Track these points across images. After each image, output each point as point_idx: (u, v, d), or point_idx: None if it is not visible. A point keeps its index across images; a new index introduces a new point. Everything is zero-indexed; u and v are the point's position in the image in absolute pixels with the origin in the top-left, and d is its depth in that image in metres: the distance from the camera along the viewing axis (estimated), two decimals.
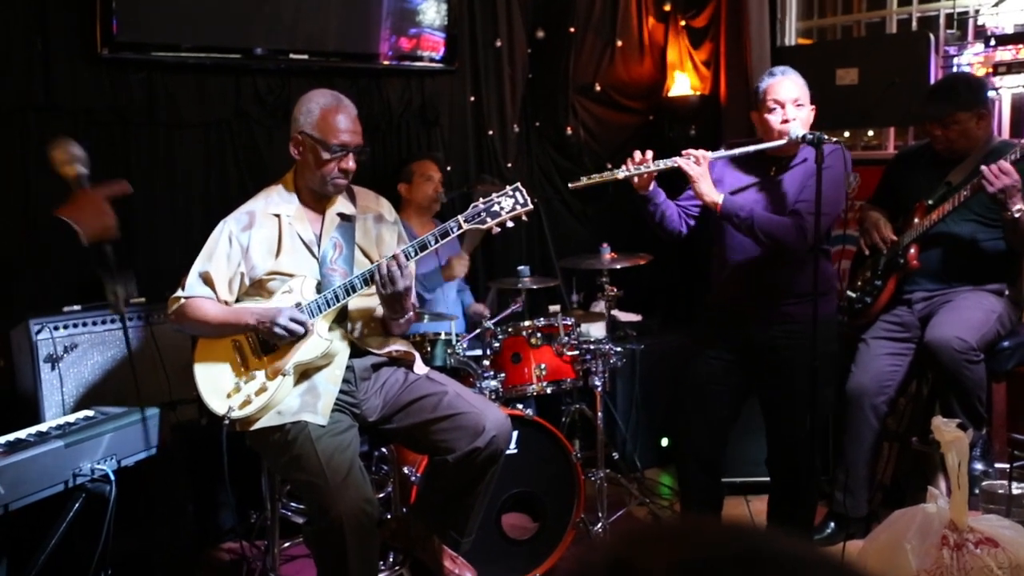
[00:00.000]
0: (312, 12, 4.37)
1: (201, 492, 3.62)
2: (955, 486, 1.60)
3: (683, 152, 3.08)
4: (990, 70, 4.14)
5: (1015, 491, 1.76)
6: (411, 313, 2.93)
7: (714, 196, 3.05)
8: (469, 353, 3.70)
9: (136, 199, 4.05)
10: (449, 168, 4.83)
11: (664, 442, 4.64)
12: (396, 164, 4.55)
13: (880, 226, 3.78)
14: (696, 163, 3.06)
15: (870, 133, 5.06)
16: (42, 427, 2.81)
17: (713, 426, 3.23)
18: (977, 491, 1.80)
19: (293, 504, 3.30)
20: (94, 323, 3.42)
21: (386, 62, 4.63)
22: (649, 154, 3.05)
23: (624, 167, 3.04)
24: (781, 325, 3.15)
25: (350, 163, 2.87)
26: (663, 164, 3.06)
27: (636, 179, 3.09)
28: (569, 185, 3.06)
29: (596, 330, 4.15)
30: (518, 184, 2.90)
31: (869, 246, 3.82)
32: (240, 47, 4.22)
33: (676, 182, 3.27)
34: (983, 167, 3.33)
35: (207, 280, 2.88)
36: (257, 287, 2.90)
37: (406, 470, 3.30)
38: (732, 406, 3.25)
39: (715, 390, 3.19)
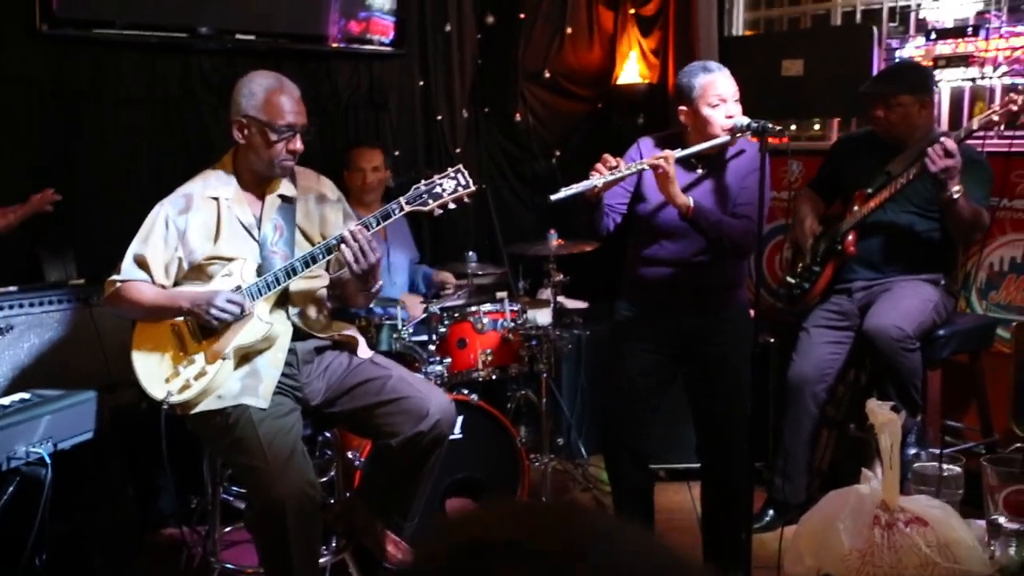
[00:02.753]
0: None
1: (141, 476, 3.57)
2: (887, 467, 1.64)
3: (653, 156, 3.00)
4: (931, 63, 4.21)
5: (945, 473, 1.80)
6: (380, 283, 2.91)
7: (685, 199, 2.98)
8: (415, 339, 3.69)
9: (78, 178, 3.99)
10: (397, 153, 4.81)
11: None
12: (344, 148, 4.51)
13: (806, 221, 3.84)
14: (666, 165, 2.98)
15: (816, 126, 5.13)
16: None
17: (643, 418, 3.23)
18: (909, 475, 1.83)
19: (234, 488, 3.27)
20: (31, 304, 3.36)
21: (335, 44, 4.59)
22: (621, 162, 2.99)
23: (595, 173, 2.95)
24: (710, 315, 3.15)
25: (298, 144, 2.84)
26: (635, 168, 3.00)
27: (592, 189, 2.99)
28: (551, 198, 2.96)
29: (542, 317, 4.16)
30: (460, 166, 2.89)
31: (791, 240, 3.89)
32: (186, 26, 4.16)
33: None
34: (928, 148, 3.36)
35: (142, 263, 2.83)
36: (197, 271, 2.85)
37: (350, 455, 3.29)
38: (660, 397, 3.26)
39: (645, 383, 3.17)
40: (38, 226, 3.70)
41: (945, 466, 1.81)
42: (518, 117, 5.22)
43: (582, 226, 3.18)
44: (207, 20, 4.20)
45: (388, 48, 4.75)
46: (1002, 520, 1.72)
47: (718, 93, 3.01)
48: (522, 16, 5.14)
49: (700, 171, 3.12)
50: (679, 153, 3.01)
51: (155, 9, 4.07)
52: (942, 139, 3.34)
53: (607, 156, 2.98)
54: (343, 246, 2.74)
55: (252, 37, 4.35)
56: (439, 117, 5.02)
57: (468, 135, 5.15)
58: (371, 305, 3.73)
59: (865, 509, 1.63)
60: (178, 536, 3.49)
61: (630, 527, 0.57)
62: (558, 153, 5.30)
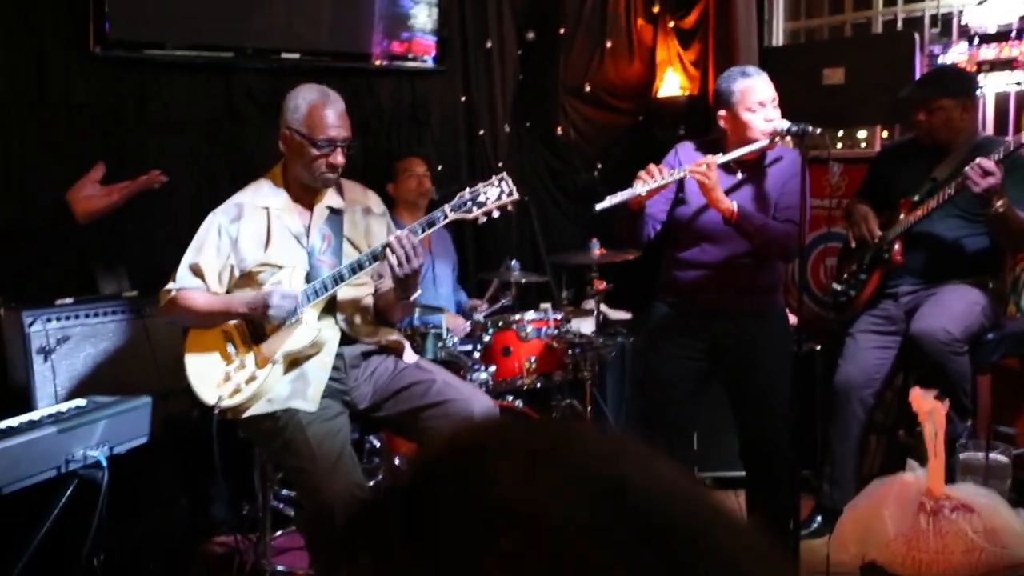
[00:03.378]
0: (305, 13, 4.42)
1: (193, 484, 3.64)
2: (932, 455, 1.64)
3: (695, 164, 3.04)
4: (974, 68, 4.19)
5: (991, 463, 1.79)
6: (419, 291, 2.96)
7: (729, 204, 3.01)
8: (459, 348, 3.73)
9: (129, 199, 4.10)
10: (440, 167, 4.88)
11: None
12: (387, 164, 4.58)
13: (869, 219, 3.81)
14: (708, 173, 3.02)
15: (862, 134, 5.12)
16: (34, 415, 2.84)
17: (680, 424, 3.24)
18: (957, 467, 1.83)
19: (285, 492, 3.33)
20: (87, 315, 3.44)
21: (378, 63, 4.68)
22: (663, 168, 3.04)
23: (640, 181, 2.99)
24: (748, 318, 3.16)
25: (338, 158, 2.90)
26: (677, 175, 3.04)
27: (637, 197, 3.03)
28: (596, 207, 3.01)
29: (586, 327, 4.18)
30: (503, 174, 2.94)
31: (857, 238, 3.85)
32: (232, 46, 4.26)
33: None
34: (967, 168, 3.35)
35: (197, 272, 2.91)
36: (247, 279, 2.93)
37: (397, 460, 3.33)
38: (697, 403, 3.26)
39: (681, 389, 3.18)
40: (92, 242, 3.83)
41: (992, 455, 1.81)
42: (560, 131, 5.27)
43: (626, 235, 3.22)
44: (252, 40, 4.30)
45: (430, 65, 4.83)
46: None
47: (757, 98, 3.04)
48: (562, 31, 5.20)
49: (740, 176, 3.14)
50: (720, 159, 3.04)
51: (201, 30, 4.17)
52: (979, 160, 3.32)
53: (651, 166, 3.02)
54: (388, 250, 2.79)
55: (296, 56, 4.44)
56: (481, 132, 5.08)
57: (510, 149, 5.20)
58: (416, 314, 3.78)
59: (910, 497, 1.64)
60: (230, 543, 3.55)
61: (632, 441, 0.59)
62: (600, 166, 5.34)
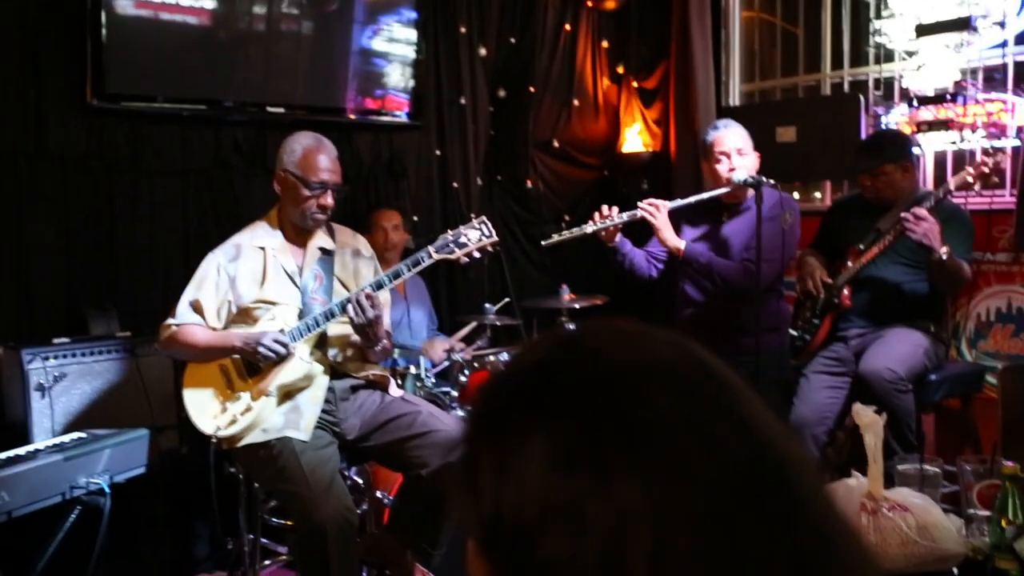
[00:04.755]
0: (281, 71, 4.66)
1: (178, 521, 3.77)
2: (872, 461, 1.87)
3: (642, 203, 3.39)
4: (914, 128, 4.52)
5: (926, 472, 2.03)
6: (384, 341, 3.16)
7: (676, 242, 3.37)
8: (438, 389, 3.92)
9: (117, 242, 4.27)
10: (416, 218, 5.10)
11: None
12: (365, 213, 4.79)
13: (815, 273, 4.09)
14: (656, 212, 3.37)
15: (818, 195, 5.42)
16: (39, 445, 2.99)
17: None
18: (896, 480, 2.06)
19: (275, 521, 3.46)
20: (82, 354, 3.60)
21: (352, 117, 4.91)
22: (615, 209, 3.37)
23: (591, 222, 3.34)
24: (739, 357, 3.41)
25: (328, 200, 3.12)
26: (627, 216, 3.38)
27: (603, 232, 3.38)
28: (542, 243, 3.33)
29: None
30: (483, 217, 3.18)
31: (803, 291, 4.13)
32: (220, 100, 4.48)
33: (645, 232, 3.59)
34: (902, 214, 3.64)
35: (196, 308, 3.09)
36: (243, 315, 3.11)
37: (379, 493, 3.50)
38: None
39: None
40: (83, 284, 4.02)
41: (926, 467, 2.04)
42: (529, 184, 5.53)
43: (626, 275, 3.50)
44: (236, 94, 4.53)
45: (404, 120, 5.08)
46: (975, 511, 1.95)
47: (721, 149, 3.37)
48: (532, 90, 5.49)
49: (724, 219, 3.46)
50: (671, 204, 3.39)
51: (192, 84, 4.39)
52: (913, 209, 3.61)
53: (604, 207, 3.34)
54: (348, 304, 3.00)
55: (281, 109, 4.67)
56: (455, 184, 5.33)
57: (482, 201, 5.44)
58: (396, 356, 3.98)
59: (853, 499, 1.86)
60: None
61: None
62: (567, 217, 5.59)
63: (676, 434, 0.67)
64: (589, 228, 3.39)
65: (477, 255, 3.13)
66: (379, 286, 3.06)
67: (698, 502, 0.65)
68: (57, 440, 3.07)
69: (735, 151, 3.42)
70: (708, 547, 0.64)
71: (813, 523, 0.69)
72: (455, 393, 3.90)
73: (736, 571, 0.64)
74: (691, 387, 0.71)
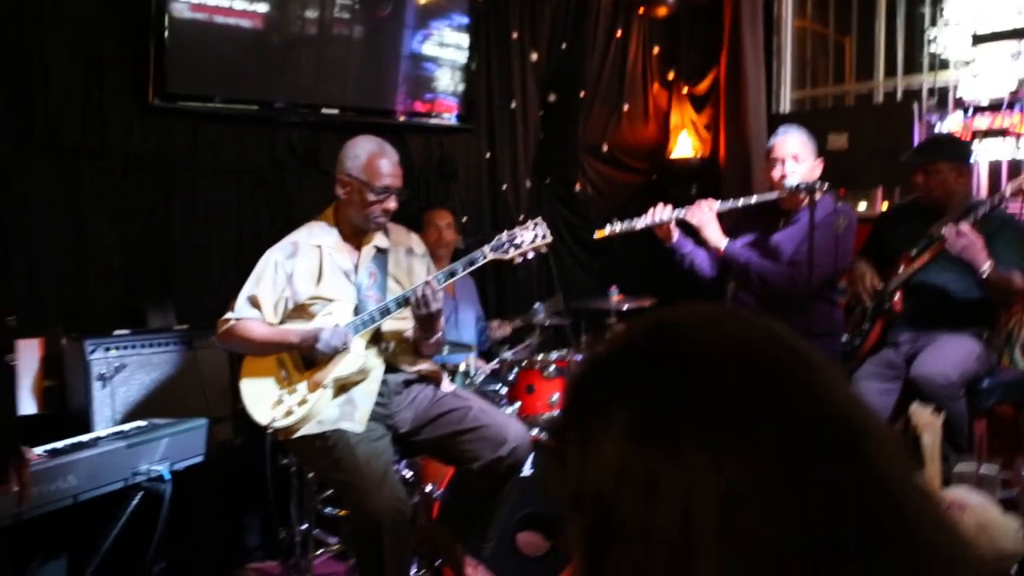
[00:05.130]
0: (332, 74, 4.75)
1: (231, 511, 3.85)
2: (929, 460, 1.87)
3: (694, 204, 3.45)
4: (969, 137, 4.49)
5: (982, 474, 2.03)
6: (440, 334, 3.21)
7: (717, 241, 3.41)
8: (487, 387, 3.97)
9: (175, 238, 4.37)
10: (465, 219, 5.15)
11: None
12: (416, 214, 4.85)
13: (865, 278, 4.07)
14: (699, 209, 3.42)
15: (862, 207, 5.39)
16: (101, 432, 3.07)
17: None
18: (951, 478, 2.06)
19: (327, 511, 3.52)
20: (142, 346, 3.68)
21: (402, 118, 4.97)
22: (668, 207, 3.43)
23: (643, 218, 3.41)
24: None
25: (392, 204, 3.18)
26: (674, 215, 3.43)
27: (659, 231, 3.44)
28: (595, 234, 3.40)
29: None
30: (539, 219, 3.21)
31: (853, 296, 4.11)
32: (271, 101, 4.57)
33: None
34: (944, 229, 3.62)
35: (255, 303, 3.15)
36: (300, 310, 3.17)
37: (428, 488, 3.54)
38: None
39: None
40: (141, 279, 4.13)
41: (983, 468, 2.04)
42: (578, 187, 5.57)
43: (686, 273, 3.60)
44: (290, 96, 4.62)
45: (454, 123, 5.14)
46: None
47: (775, 155, 3.40)
48: (582, 94, 5.53)
49: (780, 226, 3.50)
50: (719, 205, 3.43)
51: (245, 85, 4.49)
52: (951, 224, 3.58)
53: (659, 204, 3.40)
54: (412, 296, 3.06)
55: (336, 111, 4.75)
56: (504, 187, 5.38)
57: (531, 204, 5.48)
58: (444, 352, 4.02)
59: None
60: (268, 569, 3.73)
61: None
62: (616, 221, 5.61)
63: (747, 407, 0.70)
64: (640, 223, 3.47)
65: (531, 256, 3.18)
66: (452, 274, 3.11)
67: (767, 473, 0.67)
68: (116, 429, 3.15)
69: (790, 157, 3.45)
70: (776, 514, 0.66)
71: (890, 493, 0.71)
72: (504, 391, 3.93)
73: (805, 538, 0.66)
74: (766, 364, 0.74)
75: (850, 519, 0.68)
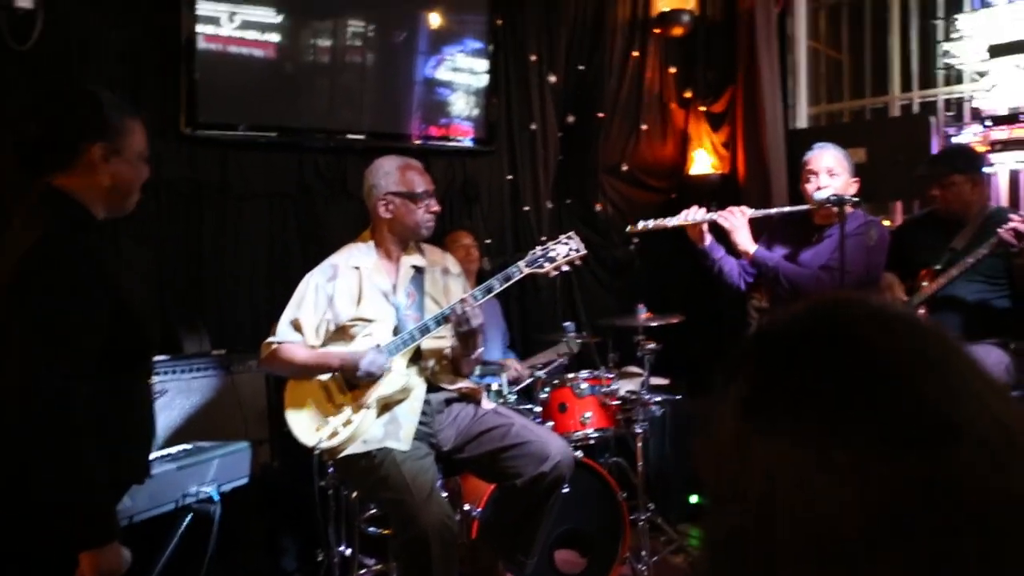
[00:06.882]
0: (346, 100, 4.83)
1: (271, 533, 3.88)
2: None
3: (727, 208, 3.52)
4: (987, 148, 4.54)
5: None
6: (481, 349, 3.26)
7: (747, 246, 3.50)
8: (520, 406, 4.00)
9: (205, 263, 4.44)
10: (488, 241, 5.21)
11: (693, 499, 4.86)
12: (439, 236, 4.91)
13: (894, 288, 4.11)
14: (731, 215, 3.51)
15: (887, 223, 5.44)
16: (149, 456, 3.10)
17: None
18: None
19: (371, 530, 3.55)
20: (181, 371, 3.73)
21: (417, 142, 5.03)
22: (702, 209, 3.50)
23: (676, 217, 3.50)
24: None
25: (435, 206, 3.26)
26: (707, 216, 3.52)
27: (691, 231, 3.50)
28: (627, 229, 3.50)
29: (628, 385, 4.44)
30: (572, 232, 3.28)
31: None
32: (290, 127, 4.64)
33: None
34: (999, 230, 3.64)
35: (296, 326, 3.20)
36: (341, 332, 3.22)
37: (467, 507, 3.58)
38: None
39: None
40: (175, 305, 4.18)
41: None
42: (598, 207, 5.62)
43: (715, 280, 3.68)
44: (307, 122, 4.70)
45: (472, 145, 5.21)
46: None
47: (809, 168, 3.48)
48: (600, 115, 5.59)
49: (814, 239, 3.56)
50: (751, 212, 3.51)
51: (265, 113, 4.57)
52: (1011, 223, 3.60)
53: (694, 206, 3.47)
54: (452, 313, 3.11)
55: (361, 136, 4.82)
56: (526, 208, 5.43)
57: (552, 224, 5.53)
58: (476, 371, 4.07)
59: None
60: None
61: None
62: (636, 240, 5.67)
63: (863, 400, 0.69)
64: (671, 221, 3.56)
65: (566, 268, 3.25)
66: (489, 290, 3.16)
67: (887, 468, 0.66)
68: (162, 452, 3.19)
69: (825, 171, 3.52)
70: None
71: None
72: (538, 409, 3.97)
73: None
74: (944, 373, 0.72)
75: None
